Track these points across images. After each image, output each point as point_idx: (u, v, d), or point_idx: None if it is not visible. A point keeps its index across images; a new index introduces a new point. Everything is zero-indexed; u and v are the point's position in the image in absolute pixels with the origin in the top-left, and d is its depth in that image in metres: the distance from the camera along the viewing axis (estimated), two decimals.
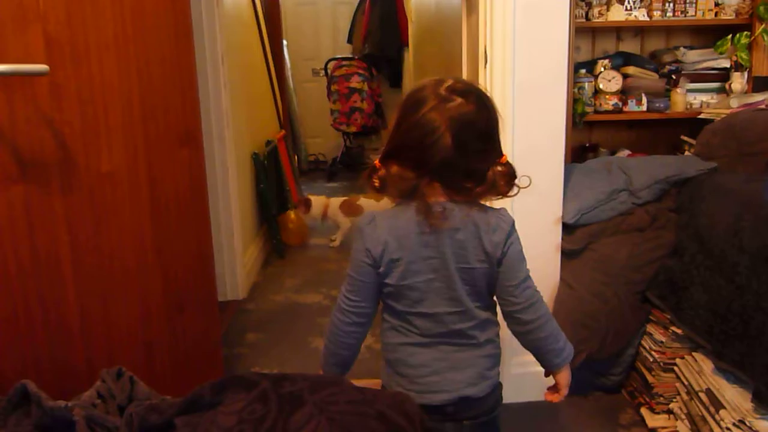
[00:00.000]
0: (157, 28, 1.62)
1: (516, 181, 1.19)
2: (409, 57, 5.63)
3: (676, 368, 1.92)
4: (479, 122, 1.14)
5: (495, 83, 1.94)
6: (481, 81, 2.01)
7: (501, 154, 1.19)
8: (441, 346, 1.24)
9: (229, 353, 2.48)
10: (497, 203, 1.25)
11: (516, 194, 1.21)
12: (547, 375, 1.36)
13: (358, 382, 1.13)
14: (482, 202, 1.22)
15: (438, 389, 1.24)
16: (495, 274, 1.21)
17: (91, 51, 1.45)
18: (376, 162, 1.20)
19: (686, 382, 1.86)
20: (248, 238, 3.42)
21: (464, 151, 1.12)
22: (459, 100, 1.12)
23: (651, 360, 1.99)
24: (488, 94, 1.20)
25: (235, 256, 3.07)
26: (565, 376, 1.32)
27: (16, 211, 1.32)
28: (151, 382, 1.22)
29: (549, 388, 1.36)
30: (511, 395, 2.09)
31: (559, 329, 1.29)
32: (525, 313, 1.23)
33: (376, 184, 1.19)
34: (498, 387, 1.31)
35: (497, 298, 1.25)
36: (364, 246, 1.20)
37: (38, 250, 1.36)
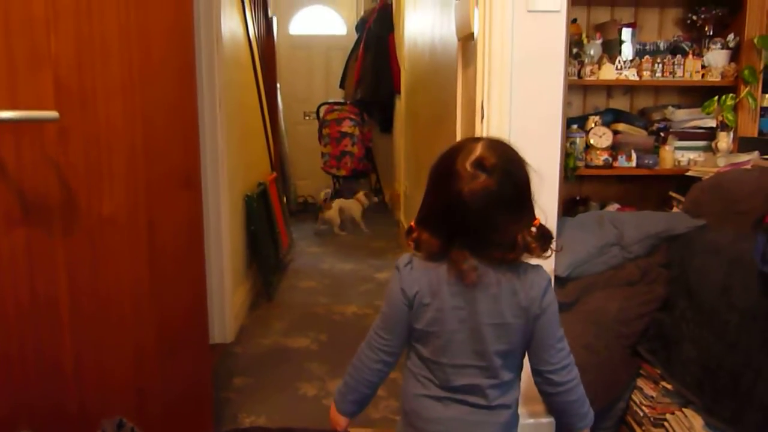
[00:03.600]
0: (163, 74, 1.66)
1: (551, 243, 1.18)
2: (400, 103, 5.71)
3: (666, 423, 1.93)
4: (504, 195, 1.13)
5: (491, 136, 1.98)
6: (477, 134, 2.05)
7: (533, 218, 1.17)
8: (458, 405, 1.22)
9: (216, 397, 2.44)
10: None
11: (550, 256, 1.19)
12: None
13: (352, 431, 1.13)
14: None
15: None
16: (531, 331, 1.20)
17: (98, 96, 1.47)
18: (412, 224, 1.22)
19: None
20: (237, 280, 3.41)
21: (489, 224, 1.13)
22: (483, 177, 1.12)
23: (641, 415, 1.99)
24: (519, 156, 1.19)
25: (224, 298, 3.05)
26: None
27: (17, 253, 1.31)
28: (142, 427, 1.21)
29: None
30: None
31: (585, 394, 1.28)
32: (558, 375, 1.22)
33: (411, 245, 1.22)
34: None
35: (531, 357, 1.23)
36: (400, 286, 1.22)
37: (37, 293, 1.36)
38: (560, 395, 1.24)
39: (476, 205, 1.11)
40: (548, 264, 2.02)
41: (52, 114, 1.28)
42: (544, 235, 1.17)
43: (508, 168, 1.15)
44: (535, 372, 1.24)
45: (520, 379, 1.28)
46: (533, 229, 1.16)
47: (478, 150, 1.14)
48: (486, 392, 1.21)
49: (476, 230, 1.13)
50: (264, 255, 3.76)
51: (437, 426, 1.23)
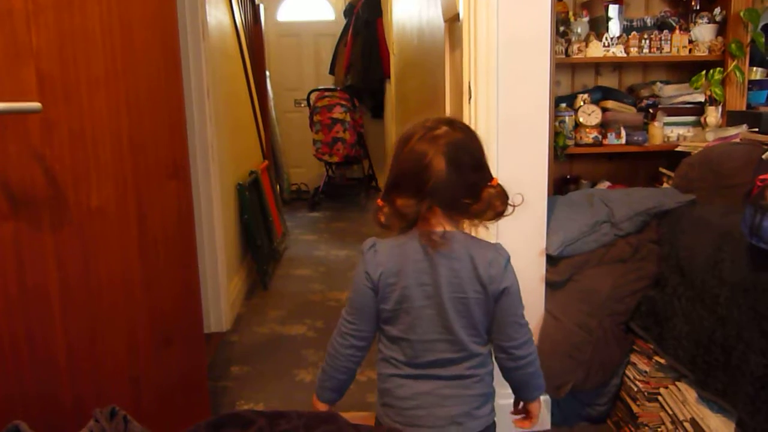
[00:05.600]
0: (147, 63, 1.65)
1: (510, 200, 1.24)
2: (391, 88, 5.70)
3: (660, 398, 1.95)
4: (467, 144, 1.22)
5: (479, 117, 1.98)
6: (465, 115, 2.05)
7: (491, 177, 1.24)
8: (429, 380, 1.26)
9: (213, 386, 2.46)
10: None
11: (511, 213, 1.25)
12: (516, 404, 1.41)
13: (348, 415, 1.14)
14: (480, 237, 1.30)
15: (422, 424, 1.26)
16: (491, 308, 1.24)
17: (81, 87, 1.46)
18: (379, 201, 1.26)
19: (671, 412, 1.88)
20: (232, 270, 3.41)
21: (456, 169, 1.18)
22: (444, 128, 1.21)
23: (635, 390, 2.01)
24: (472, 132, 1.27)
25: (219, 287, 3.06)
26: (537, 406, 1.38)
27: (6, 247, 1.31)
28: (138, 417, 1.21)
29: (519, 417, 1.41)
30: (498, 427, 2.10)
31: (539, 365, 1.34)
32: (521, 349, 1.27)
33: (382, 220, 1.25)
34: (490, 428, 1.32)
35: (496, 333, 1.27)
36: (365, 269, 1.26)
37: (27, 286, 1.35)
38: (522, 368, 1.29)
39: (442, 152, 1.18)
40: (540, 243, 2.05)
41: (36, 105, 1.27)
42: (503, 192, 1.23)
43: (465, 125, 1.28)
44: (499, 348, 1.28)
45: (492, 354, 1.31)
46: (492, 189, 1.22)
47: (435, 117, 1.25)
48: (456, 366, 1.25)
49: (443, 178, 1.17)
50: (258, 244, 3.76)
51: (411, 402, 1.26)
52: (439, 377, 1.26)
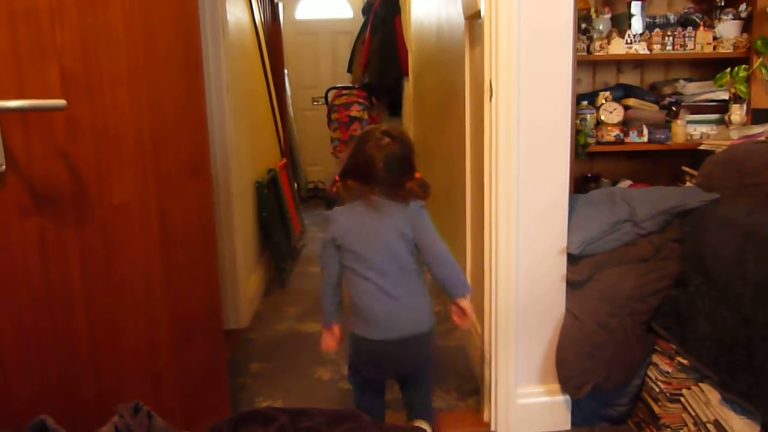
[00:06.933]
0: (169, 62, 1.65)
1: (428, 191, 1.83)
2: (408, 86, 5.68)
3: (682, 399, 1.92)
4: (400, 154, 1.80)
5: (500, 115, 1.96)
6: (486, 113, 2.03)
7: (414, 173, 1.82)
8: (382, 296, 1.80)
9: (232, 383, 2.47)
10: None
11: (426, 198, 1.83)
12: (452, 302, 1.85)
13: None
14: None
15: (379, 329, 1.80)
16: (416, 241, 1.81)
17: (104, 84, 1.47)
18: (336, 177, 1.84)
19: (693, 413, 1.86)
20: (250, 267, 3.42)
21: (390, 170, 1.78)
22: (387, 140, 1.80)
23: (657, 390, 1.99)
24: (407, 135, 1.90)
25: (238, 284, 3.07)
26: (468, 304, 1.83)
27: (30, 242, 1.32)
28: (158, 413, 1.22)
29: (456, 315, 1.84)
30: (518, 426, 2.09)
31: (456, 264, 1.85)
32: (446, 268, 1.84)
33: (335, 191, 1.84)
34: (431, 324, 1.87)
35: (423, 254, 1.82)
36: (330, 229, 1.85)
37: (52, 282, 1.37)
38: (439, 266, 1.82)
39: (383, 159, 1.77)
40: (560, 241, 2.04)
41: (60, 102, 1.28)
42: (423, 184, 1.83)
43: (402, 138, 1.84)
44: (425, 262, 1.83)
45: (423, 276, 1.86)
46: (414, 181, 1.81)
47: (384, 128, 1.86)
48: (400, 288, 1.81)
49: (382, 176, 1.77)
50: (276, 241, 3.77)
51: (370, 312, 1.81)
52: (390, 294, 1.80)
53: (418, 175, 1.81)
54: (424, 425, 1.91)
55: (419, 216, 1.81)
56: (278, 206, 4.06)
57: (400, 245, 1.79)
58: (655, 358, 2.05)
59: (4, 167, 1.26)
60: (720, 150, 2.39)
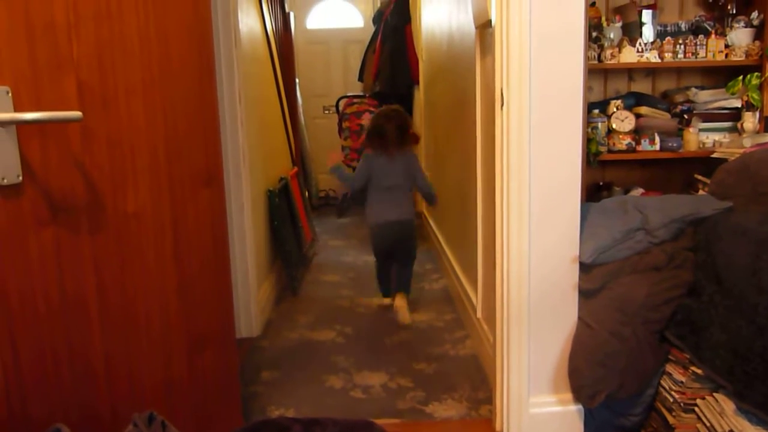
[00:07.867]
0: (182, 72, 1.67)
1: (419, 141, 3.39)
2: (419, 95, 5.70)
3: (697, 409, 1.91)
4: (401, 121, 3.21)
5: (512, 124, 1.97)
6: (497, 122, 2.04)
7: (411, 129, 3.26)
8: (388, 201, 3.25)
9: (244, 391, 2.48)
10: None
11: (417, 143, 3.50)
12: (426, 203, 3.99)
13: (380, 422, 1.14)
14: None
15: (385, 216, 3.27)
16: (412, 178, 3.29)
17: (120, 96, 1.48)
18: (365, 143, 3.33)
19: (708, 424, 1.84)
20: (262, 275, 3.44)
21: (397, 131, 3.17)
22: (393, 113, 3.22)
23: (671, 400, 1.97)
24: (402, 110, 3.32)
25: (250, 293, 3.08)
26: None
27: (46, 254, 1.34)
28: (172, 422, 1.22)
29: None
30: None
31: (429, 186, 3.42)
32: (426, 189, 3.39)
33: (367, 147, 3.31)
34: (412, 216, 3.39)
35: (416, 185, 3.35)
36: (366, 164, 3.26)
37: (66, 293, 1.38)
38: (421, 189, 3.36)
39: (391, 125, 3.17)
40: (573, 250, 2.03)
41: (76, 114, 1.29)
42: (415, 135, 3.33)
43: (398, 113, 3.25)
44: (416, 186, 3.34)
45: (412, 191, 3.41)
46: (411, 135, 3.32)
47: (386, 110, 3.29)
48: (400, 194, 3.26)
49: (392, 137, 3.16)
50: (287, 249, 3.79)
51: (381, 208, 3.27)
52: (393, 203, 3.27)
53: (411, 130, 3.30)
54: (402, 299, 3.26)
55: (414, 162, 3.28)
56: (290, 215, 4.07)
57: (401, 177, 3.22)
58: (669, 368, 2.03)
59: (21, 178, 1.27)
60: (733, 158, 2.38)
